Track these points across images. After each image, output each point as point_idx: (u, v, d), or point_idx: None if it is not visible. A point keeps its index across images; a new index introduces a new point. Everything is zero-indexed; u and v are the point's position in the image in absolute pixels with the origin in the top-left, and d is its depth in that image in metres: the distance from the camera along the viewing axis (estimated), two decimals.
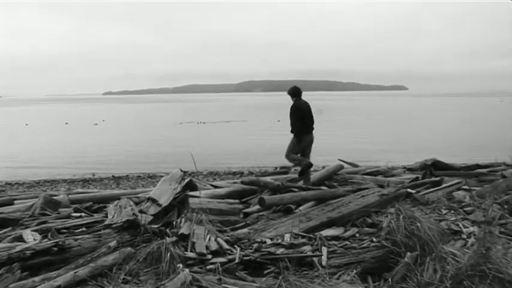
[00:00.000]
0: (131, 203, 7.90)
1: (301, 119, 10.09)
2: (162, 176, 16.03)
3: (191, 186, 8.55)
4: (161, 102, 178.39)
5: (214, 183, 10.26)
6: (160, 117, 66.82)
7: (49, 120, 62.96)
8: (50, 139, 36.91)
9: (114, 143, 33.89)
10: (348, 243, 6.36)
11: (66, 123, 51.04)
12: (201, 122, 52.46)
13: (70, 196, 9.86)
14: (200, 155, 24.53)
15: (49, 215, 8.21)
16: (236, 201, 8.30)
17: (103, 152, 28.82)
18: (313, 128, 10.41)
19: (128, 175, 19.75)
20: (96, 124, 53.66)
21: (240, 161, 23.98)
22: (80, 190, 11.99)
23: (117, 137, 37.91)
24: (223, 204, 8.02)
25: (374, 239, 6.39)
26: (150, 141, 34.11)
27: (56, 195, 9.75)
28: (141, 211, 7.44)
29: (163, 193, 8.00)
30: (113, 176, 19.44)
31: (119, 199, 8.24)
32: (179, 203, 7.94)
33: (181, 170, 8.63)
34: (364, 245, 6.17)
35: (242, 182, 9.62)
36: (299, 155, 10.20)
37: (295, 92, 10.34)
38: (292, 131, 10.19)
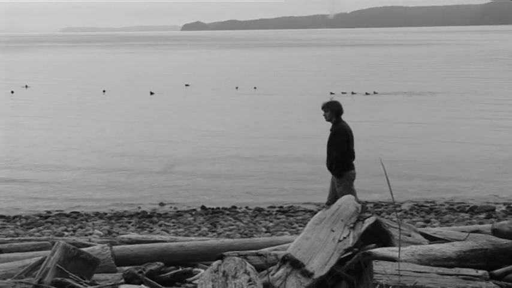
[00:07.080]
0: (248, 267, 4.34)
1: (346, 147, 8.91)
2: (311, 212, 11.01)
3: (379, 234, 5.03)
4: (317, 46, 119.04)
5: (429, 229, 6.28)
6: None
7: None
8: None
9: (220, 130, 20.88)
10: None
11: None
12: (428, 92, 31.22)
13: (116, 248, 6.02)
14: (404, 167, 14.29)
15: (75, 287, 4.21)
16: (480, 272, 4.69)
17: (191, 149, 17.66)
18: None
19: (234, 206, 12.16)
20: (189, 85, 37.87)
21: (478, 179, 14.03)
22: (135, 236, 7.50)
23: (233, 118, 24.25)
24: (453, 278, 4.52)
25: None
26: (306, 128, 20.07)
27: (87, 245, 6.08)
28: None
29: (317, 248, 4.72)
30: (203, 208, 12.07)
31: (221, 258, 4.62)
32: (352, 272, 4.62)
33: (356, 200, 5.04)
34: None
35: (494, 232, 5.89)
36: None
37: (340, 110, 8.98)
38: (332, 166, 8.86)
